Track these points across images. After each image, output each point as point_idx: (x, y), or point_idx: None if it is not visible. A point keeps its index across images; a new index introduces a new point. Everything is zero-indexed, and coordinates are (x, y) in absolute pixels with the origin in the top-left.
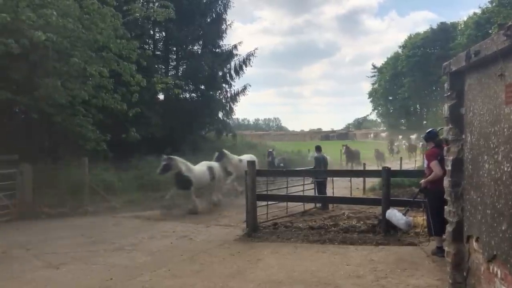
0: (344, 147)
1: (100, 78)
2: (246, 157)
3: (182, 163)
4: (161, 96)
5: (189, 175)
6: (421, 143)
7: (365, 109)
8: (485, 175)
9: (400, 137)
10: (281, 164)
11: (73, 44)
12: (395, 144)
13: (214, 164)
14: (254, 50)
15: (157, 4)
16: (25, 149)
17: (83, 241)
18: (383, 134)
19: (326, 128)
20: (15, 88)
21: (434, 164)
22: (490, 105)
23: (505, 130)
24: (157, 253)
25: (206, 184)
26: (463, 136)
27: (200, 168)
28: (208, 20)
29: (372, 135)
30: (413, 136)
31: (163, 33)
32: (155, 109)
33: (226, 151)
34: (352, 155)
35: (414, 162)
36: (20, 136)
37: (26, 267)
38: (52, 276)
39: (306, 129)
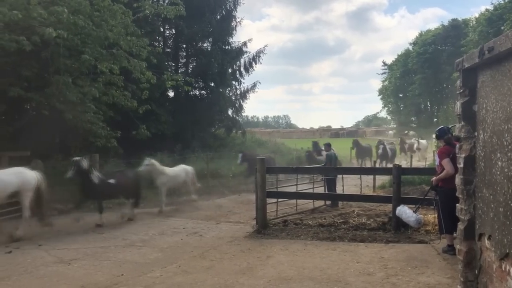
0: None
1: (111, 75)
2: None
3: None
4: (171, 93)
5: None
6: (381, 146)
7: (375, 106)
8: (498, 172)
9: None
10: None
11: (83, 41)
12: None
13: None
14: (263, 47)
15: (167, 1)
16: (36, 146)
17: (94, 237)
18: (411, 132)
19: (335, 125)
20: (26, 85)
21: (446, 162)
22: (503, 102)
23: None
24: (167, 249)
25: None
26: (476, 134)
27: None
28: (218, 17)
29: (391, 132)
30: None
31: (173, 30)
32: (165, 106)
33: None
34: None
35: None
36: (31, 132)
37: (38, 262)
38: (64, 271)
39: (316, 126)
